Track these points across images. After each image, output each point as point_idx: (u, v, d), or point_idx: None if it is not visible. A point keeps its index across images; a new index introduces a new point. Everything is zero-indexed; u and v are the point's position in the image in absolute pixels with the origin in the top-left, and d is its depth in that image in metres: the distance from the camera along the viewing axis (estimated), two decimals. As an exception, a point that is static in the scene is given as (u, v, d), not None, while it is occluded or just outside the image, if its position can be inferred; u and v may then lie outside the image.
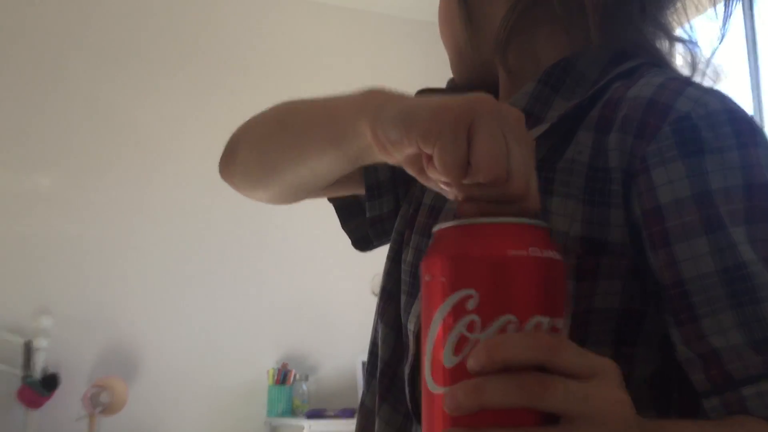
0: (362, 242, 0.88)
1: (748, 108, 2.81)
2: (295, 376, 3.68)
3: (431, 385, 0.41)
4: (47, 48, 3.70)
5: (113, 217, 3.67)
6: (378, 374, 0.72)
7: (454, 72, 0.79)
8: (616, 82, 0.62)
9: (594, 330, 0.57)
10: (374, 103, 0.51)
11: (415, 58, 4.44)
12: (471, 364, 0.38)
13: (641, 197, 0.56)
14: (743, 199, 0.54)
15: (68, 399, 3.37)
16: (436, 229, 0.43)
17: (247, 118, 0.77)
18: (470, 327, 0.39)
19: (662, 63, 0.68)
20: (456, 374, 0.39)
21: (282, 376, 3.67)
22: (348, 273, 3.88)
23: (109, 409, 3.30)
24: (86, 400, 3.29)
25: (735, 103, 0.58)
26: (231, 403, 3.71)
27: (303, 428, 3.33)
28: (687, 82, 0.60)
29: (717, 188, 0.53)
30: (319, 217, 3.88)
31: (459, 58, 0.77)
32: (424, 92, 0.77)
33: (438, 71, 4.66)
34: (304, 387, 3.69)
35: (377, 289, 3.16)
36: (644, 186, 0.56)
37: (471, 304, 0.39)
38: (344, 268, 3.91)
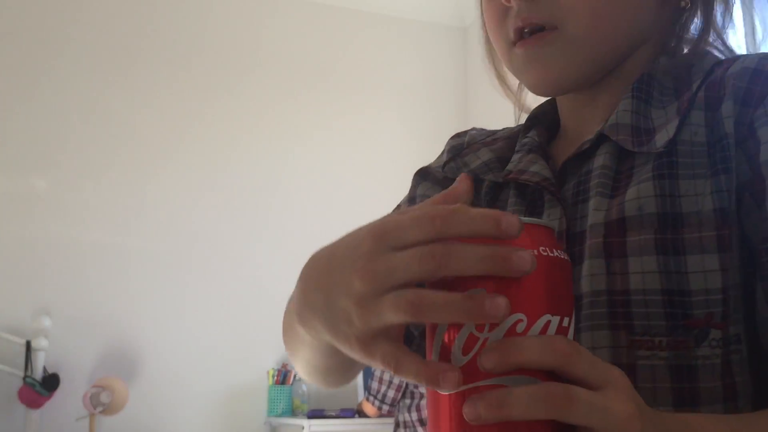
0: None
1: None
2: (295, 376, 3.68)
3: None
4: (43, 49, 3.70)
5: (112, 218, 3.68)
6: None
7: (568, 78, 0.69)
8: (715, 71, 0.64)
9: (732, 308, 0.55)
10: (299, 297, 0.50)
11: (418, 59, 4.44)
12: (483, 362, 0.38)
13: (750, 159, 0.57)
14: None
15: (68, 399, 3.38)
16: None
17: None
18: (479, 326, 0.39)
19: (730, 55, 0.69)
20: (464, 374, 0.39)
21: (282, 376, 3.67)
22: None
23: (109, 409, 3.30)
24: (86, 400, 3.29)
25: None
26: (231, 403, 3.71)
27: (303, 428, 3.33)
28: None
29: None
30: (319, 217, 3.88)
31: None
32: (420, 173, 0.78)
33: (440, 72, 4.63)
34: (304, 387, 3.69)
35: None
36: (753, 149, 0.56)
37: None
38: (344, 267, 3.91)
